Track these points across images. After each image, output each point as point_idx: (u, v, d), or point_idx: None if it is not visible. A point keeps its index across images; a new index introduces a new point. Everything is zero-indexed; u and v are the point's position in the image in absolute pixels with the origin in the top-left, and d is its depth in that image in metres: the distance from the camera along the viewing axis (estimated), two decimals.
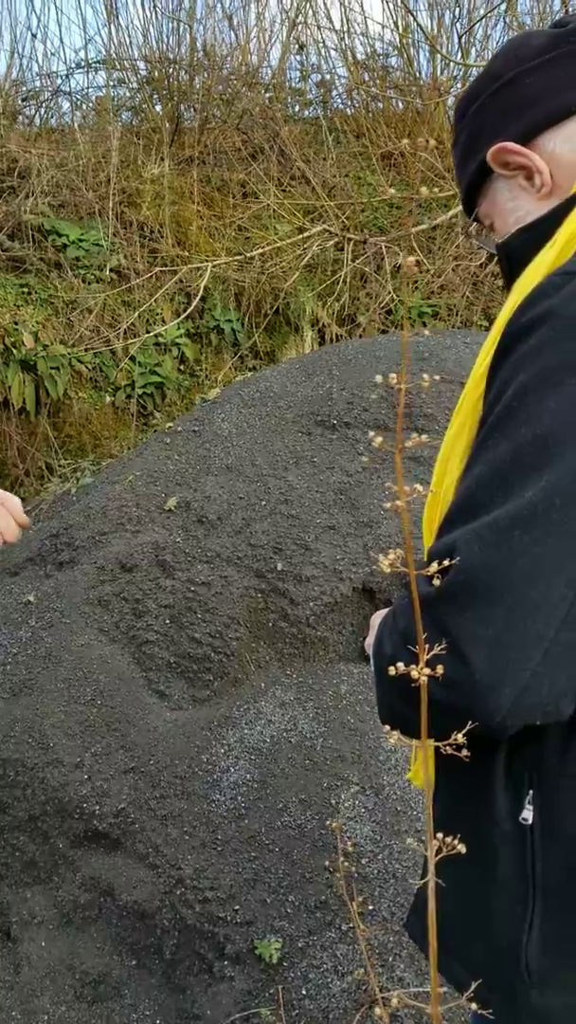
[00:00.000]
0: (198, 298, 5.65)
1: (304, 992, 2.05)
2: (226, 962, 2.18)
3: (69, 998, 2.28)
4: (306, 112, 7.73)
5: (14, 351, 5.03)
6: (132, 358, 5.55)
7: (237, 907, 2.22)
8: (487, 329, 5.05)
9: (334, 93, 7.97)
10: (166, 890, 2.30)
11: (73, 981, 2.31)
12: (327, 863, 2.28)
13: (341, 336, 6.05)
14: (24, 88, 7.20)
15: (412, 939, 1.17)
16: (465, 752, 0.80)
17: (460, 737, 0.79)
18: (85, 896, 2.40)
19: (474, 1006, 0.88)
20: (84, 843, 2.45)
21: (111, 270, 5.78)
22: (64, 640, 2.81)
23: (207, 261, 5.64)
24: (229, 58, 7.31)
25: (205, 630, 2.77)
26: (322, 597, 2.81)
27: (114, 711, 2.62)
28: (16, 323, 5.16)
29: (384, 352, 3.51)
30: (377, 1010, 0.90)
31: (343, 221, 6.16)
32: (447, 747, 0.79)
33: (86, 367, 5.48)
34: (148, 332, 5.61)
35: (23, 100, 7.11)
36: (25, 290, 5.51)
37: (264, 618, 2.82)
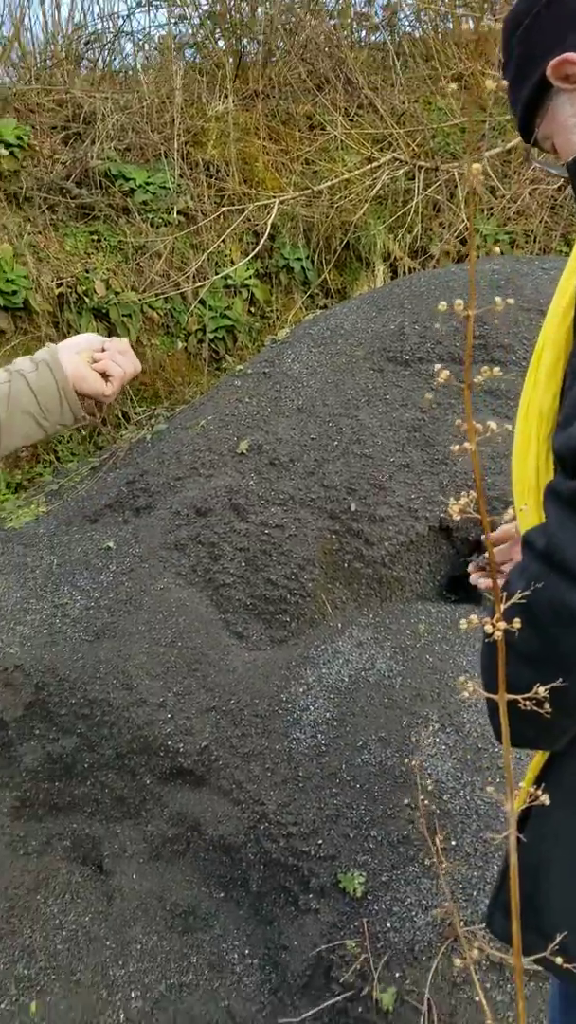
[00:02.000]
0: (266, 236, 5.56)
1: (388, 925, 2.08)
2: (311, 895, 2.22)
3: (160, 928, 2.36)
4: (373, 37, 7.44)
5: (86, 299, 5.05)
6: (202, 302, 5.51)
7: (320, 842, 2.26)
8: (567, 255, 4.85)
9: (401, 15, 7.65)
10: (250, 825, 2.35)
11: (164, 912, 2.39)
12: (408, 800, 2.29)
13: (414, 269, 5.89)
14: (86, 31, 7.11)
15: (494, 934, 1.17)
16: None
17: None
18: (172, 831, 2.47)
19: (560, 960, 0.86)
20: (170, 780, 2.51)
21: (178, 212, 5.73)
22: (143, 584, 2.85)
23: (274, 197, 5.53)
24: None
25: (281, 572, 2.77)
26: (397, 537, 2.78)
27: (194, 652, 2.66)
28: (87, 271, 5.17)
29: (458, 283, 3.40)
30: (457, 961, 0.90)
31: (413, 149, 5.94)
32: None
33: (157, 313, 5.48)
34: (217, 274, 5.56)
35: (85, 44, 7.02)
36: (95, 237, 5.51)
37: (339, 559, 2.81)
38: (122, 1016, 2.21)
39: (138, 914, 2.40)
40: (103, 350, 1.44)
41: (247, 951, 2.28)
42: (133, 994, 2.25)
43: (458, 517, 0.76)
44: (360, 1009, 2.00)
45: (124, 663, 2.65)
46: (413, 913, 2.10)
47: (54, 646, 2.74)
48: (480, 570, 1.43)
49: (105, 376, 1.44)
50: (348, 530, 2.80)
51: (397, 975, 2.00)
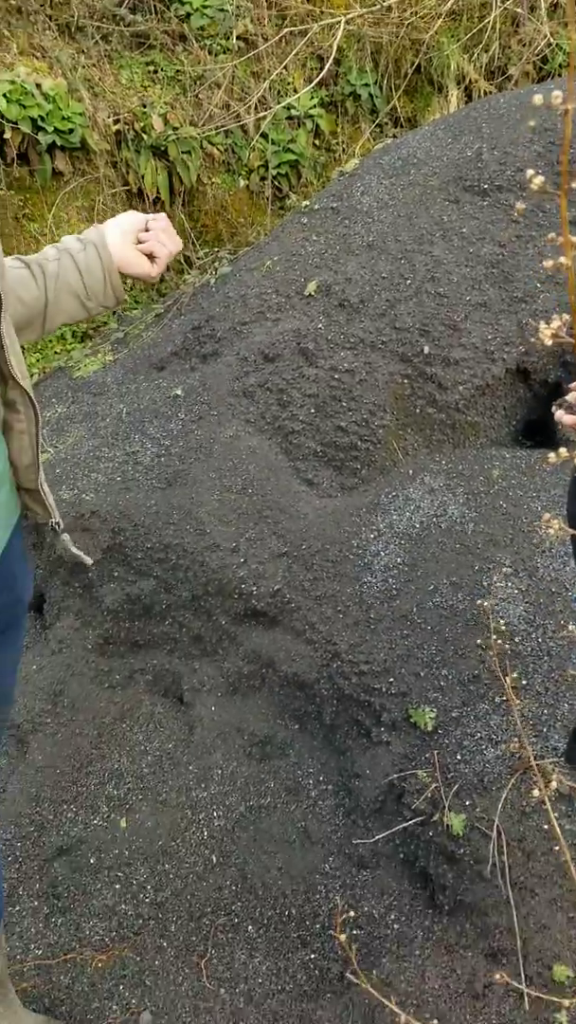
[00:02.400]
0: (331, 60, 5.19)
1: (459, 757, 2.16)
2: (383, 728, 2.30)
3: (239, 755, 2.49)
4: None
5: (144, 136, 4.83)
6: (264, 135, 5.23)
7: (391, 679, 2.32)
8: None
9: None
10: (323, 663, 2.42)
11: (242, 741, 2.51)
12: (479, 640, 2.32)
13: (491, 93, 5.47)
14: None
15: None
16: None
17: None
18: (248, 667, 2.56)
19: None
20: (244, 620, 2.58)
21: (237, 37, 5.36)
22: (213, 432, 2.85)
23: (341, 14, 5.11)
24: None
25: (351, 418, 2.73)
26: (472, 380, 2.70)
27: (265, 499, 2.67)
28: (144, 106, 4.93)
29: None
30: (535, 791, 0.91)
31: None
32: None
33: (217, 149, 5.23)
34: (279, 104, 5.24)
35: None
36: (151, 68, 5.22)
37: (411, 404, 2.75)
38: (205, 833, 2.37)
39: (218, 742, 2.53)
40: (147, 229, 1.44)
41: (321, 778, 2.40)
42: (215, 813, 2.40)
43: (550, 342, 0.71)
44: (431, 833, 2.10)
45: (196, 509, 2.69)
46: (483, 747, 2.17)
47: (128, 493, 2.78)
48: (566, 408, 1.37)
49: (151, 256, 1.44)
50: (421, 374, 2.72)
51: (467, 803, 2.09)
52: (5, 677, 1.47)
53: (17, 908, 2.25)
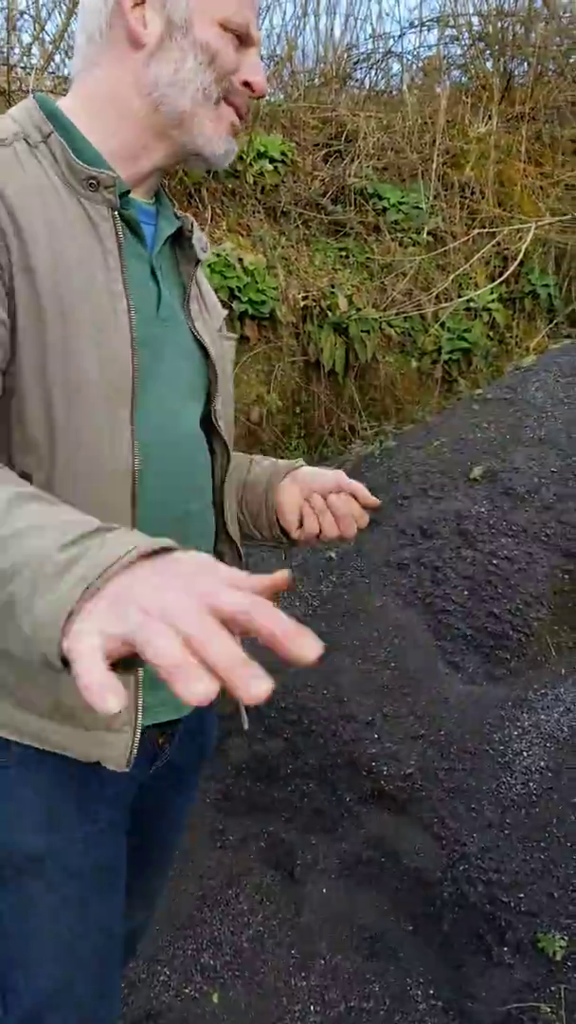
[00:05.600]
0: (516, 263, 5.43)
1: None
2: (506, 948, 2.11)
3: (346, 948, 2.34)
4: None
5: (329, 314, 5.14)
6: (442, 323, 5.47)
7: (522, 895, 2.15)
8: None
9: None
10: (449, 863, 2.27)
11: (350, 932, 2.36)
12: None
13: None
14: (356, 51, 7.27)
15: None
16: None
17: None
18: (367, 852, 2.44)
19: None
20: (370, 801, 2.48)
21: (428, 233, 5.72)
22: (362, 599, 2.85)
23: (530, 221, 5.38)
24: (570, 5, 6.87)
25: (505, 606, 2.67)
26: None
27: (407, 675, 2.62)
28: (332, 286, 5.27)
29: None
30: None
31: None
32: None
33: (395, 331, 5.49)
34: (460, 296, 5.49)
35: (355, 64, 7.17)
36: (343, 253, 5.61)
37: (570, 600, 2.67)
38: None
39: (325, 929, 2.38)
40: (340, 490, 1.27)
41: (432, 991, 2.21)
42: (312, 1008, 2.24)
43: None
44: None
45: (336, 675, 2.66)
46: None
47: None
48: None
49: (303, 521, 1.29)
50: None
51: None
52: (177, 834, 1.46)
53: None
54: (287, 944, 2.38)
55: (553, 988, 2.00)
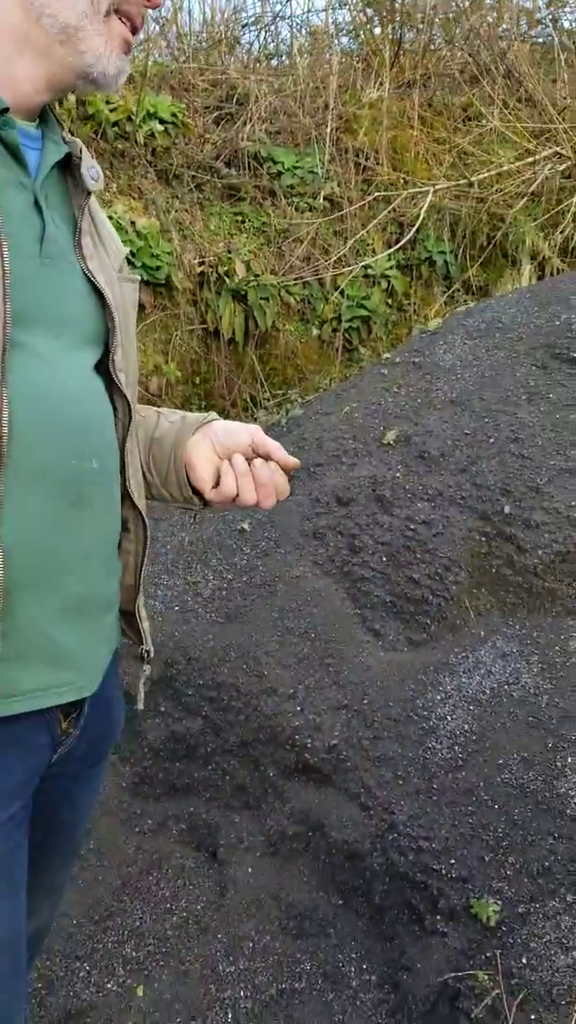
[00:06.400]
0: (414, 230, 5.40)
1: (524, 961, 1.93)
2: (439, 916, 2.08)
3: (274, 928, 2.26)
4: (534, 34, 7.18)
5: (226, 280, 5.00)
6: (341, 291, 5.40)
7: (453, 861, 2.12)
8: None
9: (567, 10, 7.37)
10: (378, 833, 2.22)
11: (278, 912, 2.29)
12: (551, 827, 2.12)
13: (563, 271, 5.64)
14: (244, 15, 7.09)
15: None
16: None
17: None
18: (293, 828, 2.37)
19: None
20: (294, 775, 2.41)
21: (324, 198, 5.63)
22: (278, 570, 2.76)
23: (427, 185, 5.36)
24: None
25: (424, 571, 2.63)
26: (553, 545, 2.61)
27: (328, 646, 2.55)
28: (229, 251, 5.13)
29: None
30: None
31: (573, 145, 5.68)
32: None
33: (294, 298, 5.40)
34: (358, 263, 5.43)
35: (243, 27, 6.99)
36: (239, 218, 5.47)
37: (487, 563, 2.65)
38: (230, 1016, 2.12)
39: (251, 910, 2.30)
40: (258, 452, 1.18)
41: (364, 966, 2.16)
42: (242, 993, 2.16)
43: None
44: None
45: (255, 649, 2.56)
46: (552, 952, 1.94)
47: (185, 624, 2.67)
48: None
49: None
50: (499, 533, 2.64)
51: (532, 1017, 1.85)
52: (83, 824, 1.33)
53: None
54: (213, 929, 2.29)
55: (489, 954, 1.97)
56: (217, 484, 1.19)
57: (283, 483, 1.19)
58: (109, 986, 2.19)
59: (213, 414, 1.26)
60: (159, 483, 1.23)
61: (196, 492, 1.21)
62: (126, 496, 1.15)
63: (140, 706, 1.33)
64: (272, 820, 2.40)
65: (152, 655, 1.27)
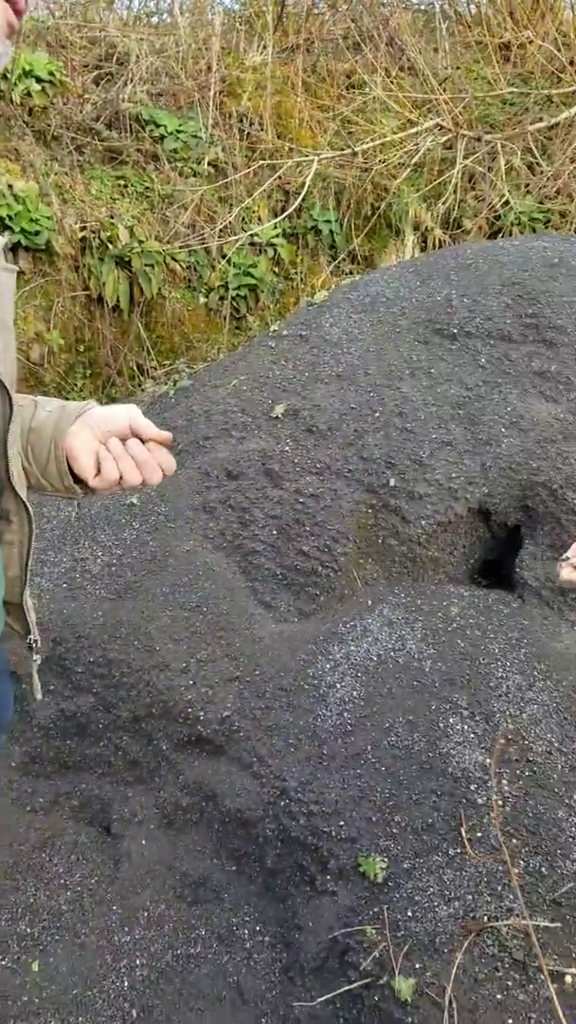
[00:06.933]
0: (300, 198, 5.41)
1: (410, 914, 2.03)
2: (328, 876, 2.16)
3: (169, 897, 2.30)
4: (416, 2, 7.23)
5: (109, 246, 4.89)
6: (227, 259, 5.37)
7: (342, 823, 2.20)
8: None
9: None
10: (270, 800, 2.28)
11: (173, 881, 2.33)
12: (434, 786, 2.23)
13: (445, 242, 5.77)
14: None
15: None
16: None
17: None
18: (187, 799, 2.40)
19: None
20: (187, 747, 2.44)
21: (209, 164, 5.55)
22: (169, 545, 2.76)
23: (312, 155, 5.36)
24: None
25: (313, 543, 2.69)
26: (435, 516, 2.70)
27: (219, 619, 2.58)
28: (112, 217, 5.01)
29: (508, 257, 3.29)
30: (568, 977, 0.82)
31: (454, 117, 5.78)
32: None
33: (180, 266, 5.33)
34: (244, 231, 5.41)
35: None
36: (121, 182, 5.34)
37: (373, 534, 2.73)
38: (126, 983, 2.15)
39: (146, 880, 2.34)
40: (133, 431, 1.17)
41: (258, 927, 2.23)
42: (139, 961, 2.19)
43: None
44: (376, 997, 1.95)
45: (146, 624, 2.57)
46: (435, 903, 2.05)
47: (73, 601, 2.65)
48: (573, 566, 1.36)
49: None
50: (385, 505, 2.72)
51: (417, 966, 1.95)
52: None
53: None
54: (108, 901, 2.32)
55: (376, 910, 2.07)
56: (99, 472, 1.18)
57: (166, 458, 1.19)
58: (3, 963, 2.19)
59: (92, 402, 1.24)
60: (38, 473, 1.21)
61: (78, 481, 1.21)
62: (7, 486, 1.13)
63: (38, 696, 1.32)
64: (166, 793, 2.43)
65: (40, 644, 1.27)
